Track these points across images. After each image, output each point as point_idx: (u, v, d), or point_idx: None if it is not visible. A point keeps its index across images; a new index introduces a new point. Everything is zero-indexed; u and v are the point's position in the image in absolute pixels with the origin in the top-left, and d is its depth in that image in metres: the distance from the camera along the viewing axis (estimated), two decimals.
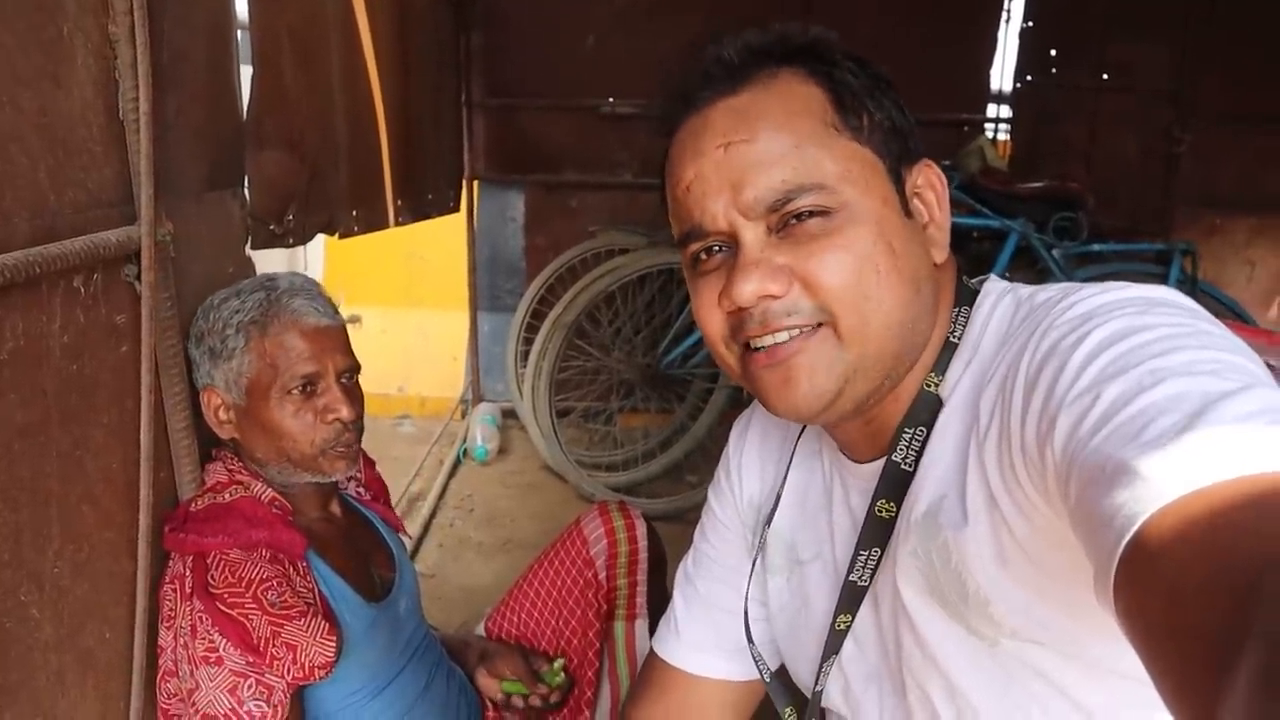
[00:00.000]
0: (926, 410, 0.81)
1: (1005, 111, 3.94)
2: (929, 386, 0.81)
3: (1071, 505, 0.58)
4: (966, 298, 0.84)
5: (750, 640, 1.02)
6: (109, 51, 1.12)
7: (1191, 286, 3.27)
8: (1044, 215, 3.25)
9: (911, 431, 0.81)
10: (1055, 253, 3.24)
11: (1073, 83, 3.77)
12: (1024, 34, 3.80)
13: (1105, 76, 3.74)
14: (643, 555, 1.63)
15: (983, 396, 0.74)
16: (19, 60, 0.97)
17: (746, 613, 1.02)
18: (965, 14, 3.76)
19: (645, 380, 3.71)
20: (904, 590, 0.80)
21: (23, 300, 0.97)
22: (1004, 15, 3.80)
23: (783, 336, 0.78)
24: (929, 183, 0.83)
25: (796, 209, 0.76)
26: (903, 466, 0.82)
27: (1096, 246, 3.30)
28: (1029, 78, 3.82)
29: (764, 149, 0.76)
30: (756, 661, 1.02)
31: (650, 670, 1.13)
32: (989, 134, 3.88)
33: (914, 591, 0.80)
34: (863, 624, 0.88)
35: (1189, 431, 0.51)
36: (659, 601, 1.69)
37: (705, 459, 3.61)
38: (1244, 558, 0.43)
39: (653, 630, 1.62)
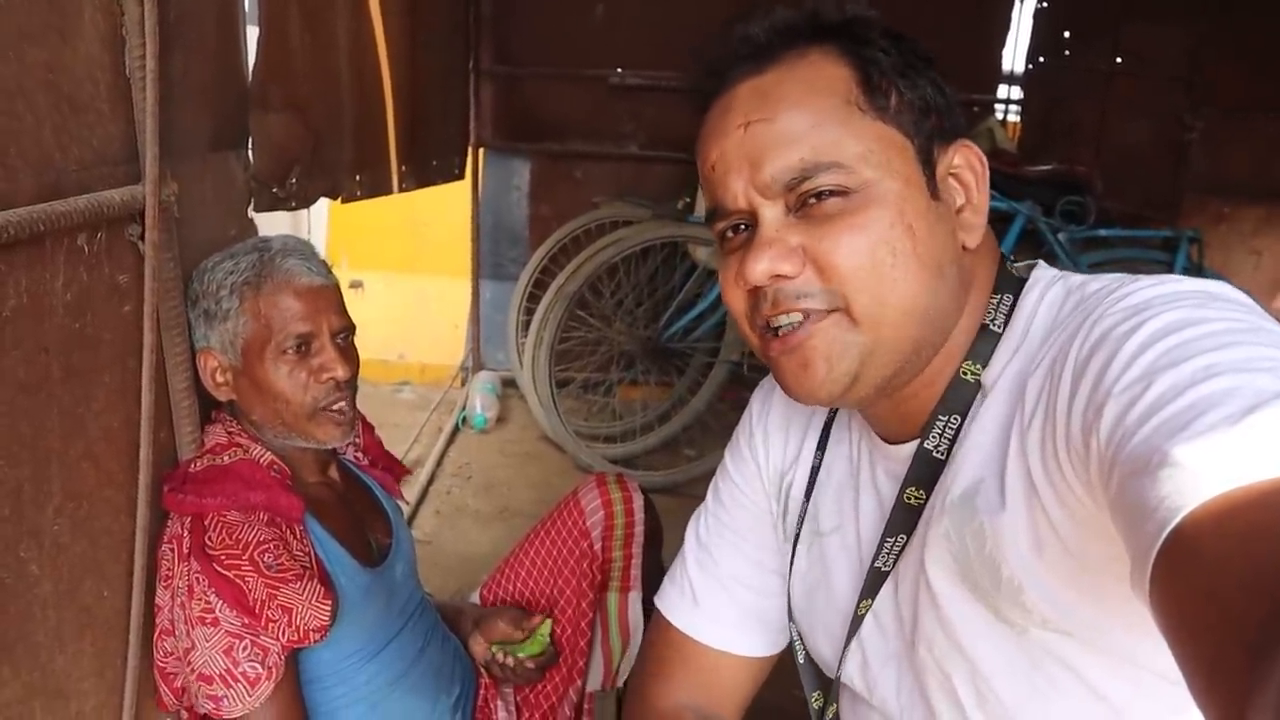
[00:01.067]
0: (962, 398, 0.80)
1: (1016, 93, 3.91)
2: (966, 375, 0.80)
3: (1113, 495, 0.57)
4: (1010, 284, 0.82)
5: (791, 618, 1.00)
6: (116, 8, 1.11)
7: (1197, 274, 3.26)
8: (1051, 198, 3.23)
9: (946, 419, 0.80)
10: (1061, 236, 3.22)
11: (1085, 66, 3.74)
12: (1038, 15, 3.77)
13: (1118, 60, 3.70)
14: (639, 528, 1.64)
15: (1029, 383, 0.73)
16: (24, 14, 0.96)
17: (791, 590, 1.00)
18: None
19: (646, 353, 3.72)
20: (931, 572, 0.80)
21: (26, 257, 0.97)
22: None
23: (796, 318, 0.78)
24: (968, 163, 0.81)
25: (814, 188, 0.75)
26: (935, 454, 0.81)
27: (1103, 231, 3.29)
28: (1041, 59, 3.79)
29: (783, 128, 0.76)
30: (793, 640, 1.01)
31: (667, 643, 1.08)
32: (999, 115, 3.85)
33: (943, 574, 0.79)
34: (882, 604, 0.88)
35: (1239, 427, 0.50)
36: (653, 575, 1.69)
37: (704, 433, 3.62)
38: None
39: (646, 603, 1.64)
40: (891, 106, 0.77)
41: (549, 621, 1.55)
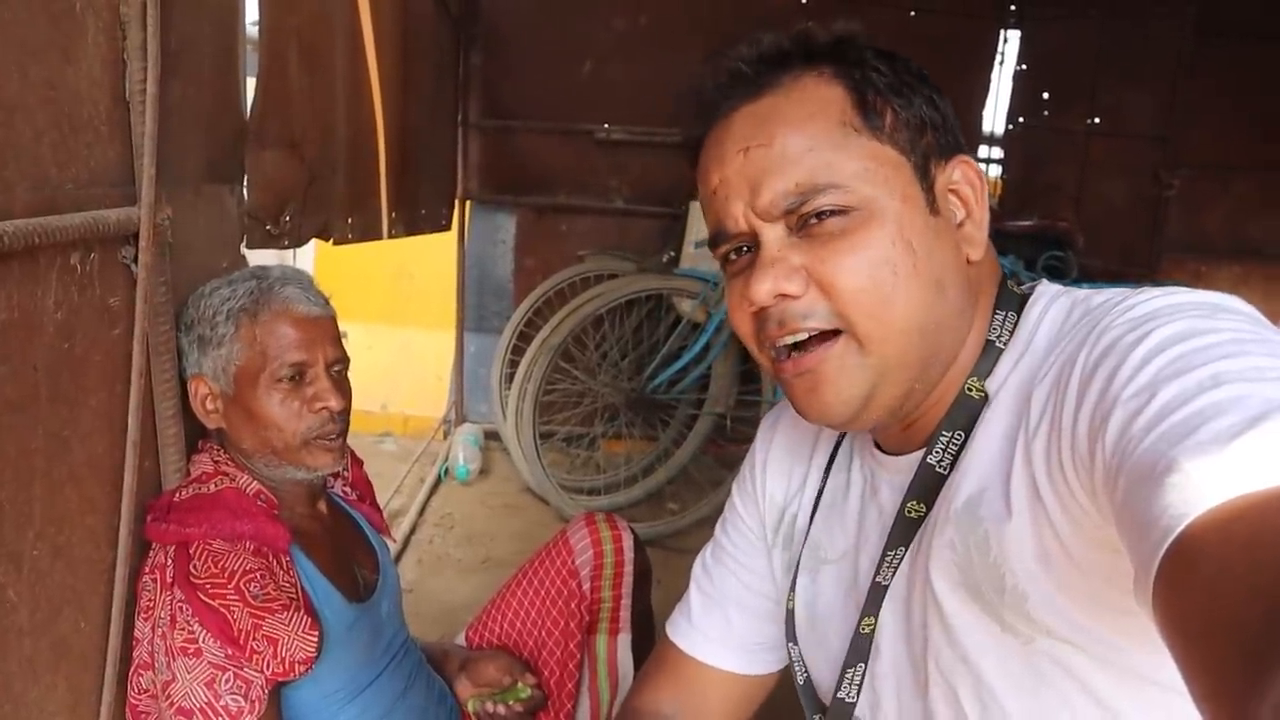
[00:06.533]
0: (965, 414, 0.80)
1: (997, 152, 3.99)
2: (970, 391, 0.80)
3: (1118, 503, 0.57)
4: (1012, 301, 0.83)
5: (794, 640, 1.00)
6: (119, 32, 1.11)
7: None
8: (1033, 253, 3.28)
9: (949, 435, 0.81)
10: None
11: (1064, 125, 3.82)
12: (1017, 77, 3.86)
13: (1095, 120, 3.79)
14: (628, 569, 1.61)
15: (1034, 393, 0.73)
16: (28, 30, 0.96)
17: (790, 613, 1.00)
18: (960, 57, 3.82)
19: (630, 405, 3.70)
20: (936, 583, 0.79)
21: (19, 271, 0.96)
22: (998, 58, 3.86)
23: (802, 337, 0.78)
24: (966, 178, 0.82)
25: (813, 209, 0.77)
26: (937, 469, 0.81)
27: (1084, 287, 3.33)
28: (1021, 119, 3.87)
29: (780, 152, 0.78)
30: (792, 662, 1.01)
31: (662, 654, 1.13)
32: None
33: (948, 584, 0.78)
34: (888, 619, 0.87)
35: (1244, 435, 0.50)
36: (643, 616, 1.67)
37: (687, 486, 3.60)
38: None
39: (635, 645, 1.62)
40: (886, 125, 0.79)
41: (527, 688, 1.52)
